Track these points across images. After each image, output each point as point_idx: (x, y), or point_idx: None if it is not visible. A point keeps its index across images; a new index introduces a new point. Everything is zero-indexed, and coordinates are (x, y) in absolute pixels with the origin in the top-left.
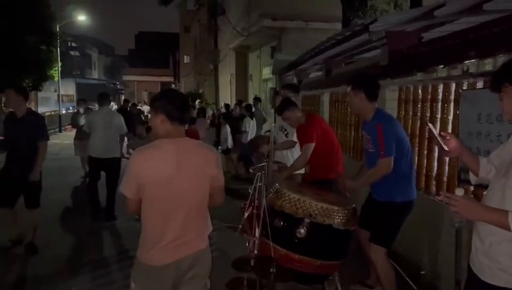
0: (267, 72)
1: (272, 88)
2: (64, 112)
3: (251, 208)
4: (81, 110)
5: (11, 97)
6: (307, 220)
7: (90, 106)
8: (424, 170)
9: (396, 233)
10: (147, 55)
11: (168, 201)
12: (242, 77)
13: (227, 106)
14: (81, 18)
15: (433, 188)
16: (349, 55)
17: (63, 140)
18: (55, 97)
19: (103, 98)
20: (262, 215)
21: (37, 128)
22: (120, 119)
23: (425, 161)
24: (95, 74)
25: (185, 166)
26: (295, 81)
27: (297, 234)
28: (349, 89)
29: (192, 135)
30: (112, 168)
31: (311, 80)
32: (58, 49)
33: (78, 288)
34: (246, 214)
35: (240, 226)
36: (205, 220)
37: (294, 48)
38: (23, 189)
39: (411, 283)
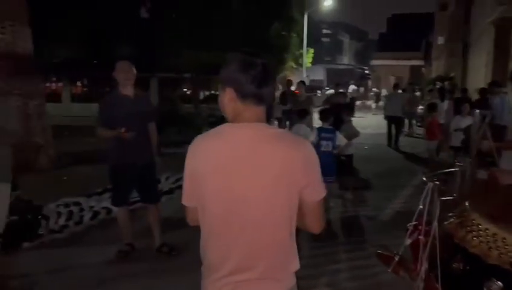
0: None
1: None
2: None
3: (417, 232)
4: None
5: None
6: (506, 271)
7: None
8: None
9: None
10: (398, 38)
11: (225, 214)
12: (502, 56)
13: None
14: (327, 3)
15: None
16: None
17: None
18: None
19: (396, 86)
20: (430, 245)
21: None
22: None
23: None
24: (345, 59)
25: (252, 164)
26: None
27: (485, 289)
28: None
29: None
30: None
31: None
32: (305, 36)
33: None
34: (409, 241)
35: (397, 257)
36: (286, 249)
37: None
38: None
39: None
